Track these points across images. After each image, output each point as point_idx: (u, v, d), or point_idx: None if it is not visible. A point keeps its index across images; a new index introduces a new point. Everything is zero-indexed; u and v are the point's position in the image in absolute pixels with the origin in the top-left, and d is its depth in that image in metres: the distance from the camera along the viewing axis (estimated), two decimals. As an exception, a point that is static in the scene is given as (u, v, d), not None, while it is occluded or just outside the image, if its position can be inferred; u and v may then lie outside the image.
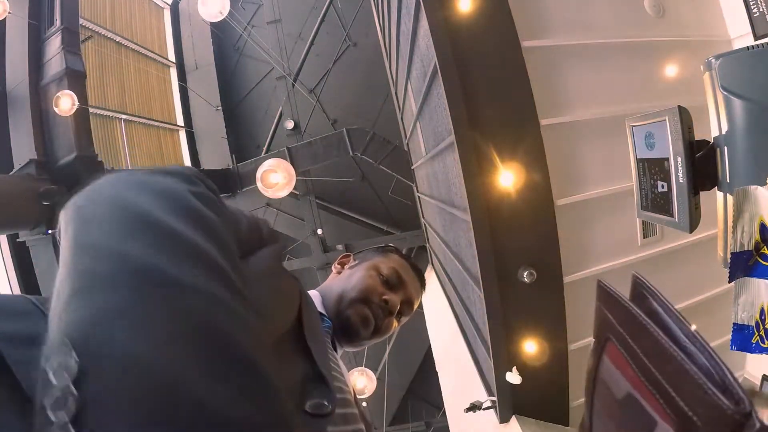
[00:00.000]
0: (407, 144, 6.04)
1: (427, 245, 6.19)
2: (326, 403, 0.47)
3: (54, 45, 5.17)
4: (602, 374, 0.28)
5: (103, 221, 0.32)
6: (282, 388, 0.29)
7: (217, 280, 0.31)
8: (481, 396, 2.77)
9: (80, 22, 5.79)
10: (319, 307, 0.83)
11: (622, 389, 0.25)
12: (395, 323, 0.90)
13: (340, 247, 7.34)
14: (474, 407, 2.65)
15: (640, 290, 0.27)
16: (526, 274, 2.32)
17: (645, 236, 2.49)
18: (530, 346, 2.39)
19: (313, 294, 0.87)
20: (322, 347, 0.57)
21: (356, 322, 0.83)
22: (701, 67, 1.01)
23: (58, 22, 5.21)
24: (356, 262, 0.97)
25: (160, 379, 0.24)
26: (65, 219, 0.35)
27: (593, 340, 0.30)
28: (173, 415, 0.23)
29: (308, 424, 0.44)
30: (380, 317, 0.85)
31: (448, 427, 3.83)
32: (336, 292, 0.87)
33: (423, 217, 6.17)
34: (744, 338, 0.87)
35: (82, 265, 0.29)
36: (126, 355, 0.24)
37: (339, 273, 0.96)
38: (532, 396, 2.48)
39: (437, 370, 4.46)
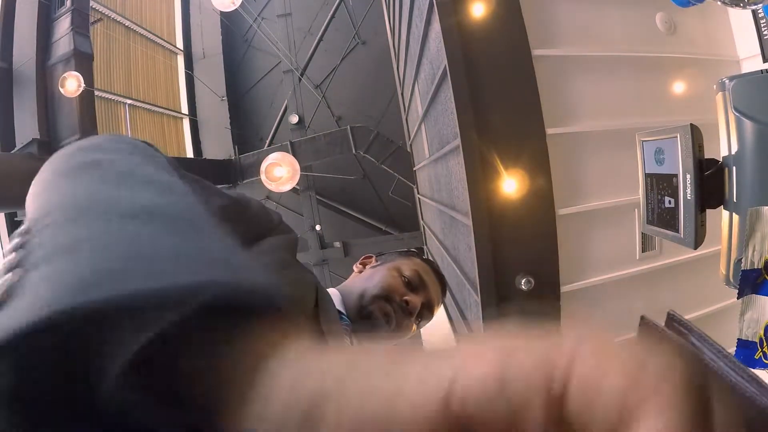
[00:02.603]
0: (410, 145, 6.05)
1: (425, 247, 6.20)
2: None
3: (63, 25, 5.15)
4: None
5: (46, 177, 0.34)
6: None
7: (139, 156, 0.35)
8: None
9: (90, 4, 5.77)
10: (339, 306, 0.83)
11: None
12: (414, 326, 0.90)
13: (337, 244, 7.35)
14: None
15: (677, 326, 0.27)
16: (524, 281, 2.33)
17: (644, 250, 2.50)
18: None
19: (333, 292, 0.87)
20: (341, 341, 0.57)
21: (379, 317, 0.83)
22: (714, 86, 1.02)
23: (68, 3, 5.19)
24: (378, 263, 0.97)
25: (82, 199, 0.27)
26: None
27: None
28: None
29: None
30: (400, 316, 0.86)
31: None
32: (358, 290, 0.87)
33: (422, 219, 6.18)
34: (748, 354, 0.89)
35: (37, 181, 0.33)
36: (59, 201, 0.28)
37: (360, 272, 0.97)
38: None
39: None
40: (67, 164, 0.34)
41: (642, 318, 0.25)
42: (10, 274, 0.22)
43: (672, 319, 0.27)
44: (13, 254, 0.24)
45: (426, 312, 0.92)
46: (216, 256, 0.23)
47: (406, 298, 0.87)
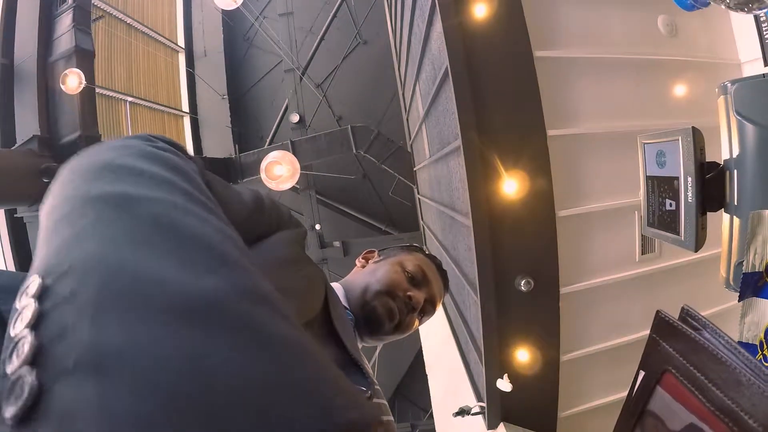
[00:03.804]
0: (411, 145, 6.05)
1: (425, 247, 6.20)
2: (364, 389, 0.47)
3: (65, 22, 5.14)
4: (654, 406, 0.27)
5: (67, 181, 0.33)
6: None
7: (178, 192, 0.31)
8: (470, 401, 2.78)
9: (92, 1, 5.77)
10: (342, 300, 0.83)
11: (682, 420, 0.25)
12: (417, 321, 0.90)
13: (337, 243, 7.35)
14: (463, 412, 2.66)
15: (691, 322, 0.27)
16: (523, 282, 2.33)
17: (643, 252, 2.50)
18: (523, 355, 2.40)
19: (336, 287, 0.87)
20: (350, 335, 0.57)
21: (382, 314, 0.82)
22: (716, 90, 1.03)
23: (70, 0, 5.19)
24: (381, 257, 0.97)
25: (116, 267, 0.24)
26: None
27: (640, 372, 0.29)
28: (129, 291, 0.22)
29: None
30: (404, 312, 0.85)
31: (434, 430, 3.84)
32: (360, 285, 0.87)
33: (422, 219, 6.18)
34: (748, 358, 0.89)
35: (49, 220, 0.30)
36: (86, 258, 0.24)
37: (363, 267, 0.96)
38: (522, 404, 2.49)
39: (427, 372, 4.47)
40: (95, 187, 0.30)
41: (657, 312, 0.25)
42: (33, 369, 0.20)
43: (686, 314, 0.28)
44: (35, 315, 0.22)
45: (429, 307, 0.92)
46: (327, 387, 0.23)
47: (409, 293, 0.87)
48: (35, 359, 0.20)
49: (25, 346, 0.21)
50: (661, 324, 0.27)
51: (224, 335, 0.22)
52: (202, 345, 0.21)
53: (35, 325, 0.22)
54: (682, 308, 0.28)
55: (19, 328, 0.22)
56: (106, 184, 0.30)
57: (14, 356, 0.21)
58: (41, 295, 0.23)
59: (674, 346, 0.26)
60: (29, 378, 0.20)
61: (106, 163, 0.33)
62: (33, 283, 0.24)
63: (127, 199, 0.29)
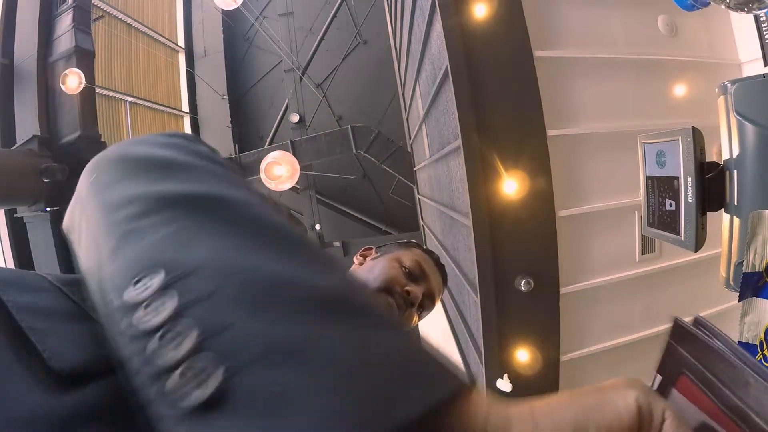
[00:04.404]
0: (411, 145, 6.05)
1: (425, 247, 6.19)
2: None
3: (65, 22, 5.15)
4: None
5: (120, 176, 0.33)
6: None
7: (250, 193, 0.34)
8: (470, 401, 2.77)
9: (92, 1, 5.77)
10: None
11: (695, 419, 0.28)
12: (416, 317, 0.90)
13: (337, 243, 7.34)
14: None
15: (703, 330, 0.29)
16: (523, 282, 2.33)
17: (643, 252, 2.50)
18: (523, 355, 2.40)
19: None
20: None
21: None
22: (716, 90, 1.03)
23: (70, 0, 5.19)
24: (378, 254, 0.97)
25: (243, 269, 0.25)
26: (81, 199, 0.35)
27: (657, 376, 0.32)
28: (264, 294, 0.24)
29: None
30: (402, 307, 0.85)
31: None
32: None
33: (422, 219, 6.18)
34: (748, 357, 0.89)
35: (118, 216, 0.30)
36: (206, 260, 0.25)
37: (361, 264, 0.96)
38: (522, 404, 2.49)
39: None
40: (168, 186, 0.31)
41: (675, 320, 0.27)
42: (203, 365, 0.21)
43: (699, 323, 0.29)
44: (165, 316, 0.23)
45: (428, 302, 0.92)
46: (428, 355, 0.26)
47: (407, 288, 0.87)
48: (199, 351, 0.21)
49: (186, 339, 0.22)
50: (678, 330, 0.29)
51: (367, 319, 0.26)
52: (360, 330, 0.25)
53: (179, 319, 0.23)
54: (695, 318, 0.30)
55: (158, 320, 0.23)
56: (180, 182, 0.32)
57: (168, 348, 0.22)
58: (170, 293, 0.24)
59: (690, 351, 0.29)
60: (212, 368, 0.21)
61: (166, 161, 0.34)
62: (148, 277, 0.25)
63: (214, 200, 0.31)
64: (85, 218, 0.33)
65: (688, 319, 0.30)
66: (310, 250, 0.30)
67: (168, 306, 0.23)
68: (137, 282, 0.25)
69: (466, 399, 0.26)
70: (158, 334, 0.22)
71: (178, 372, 0.21)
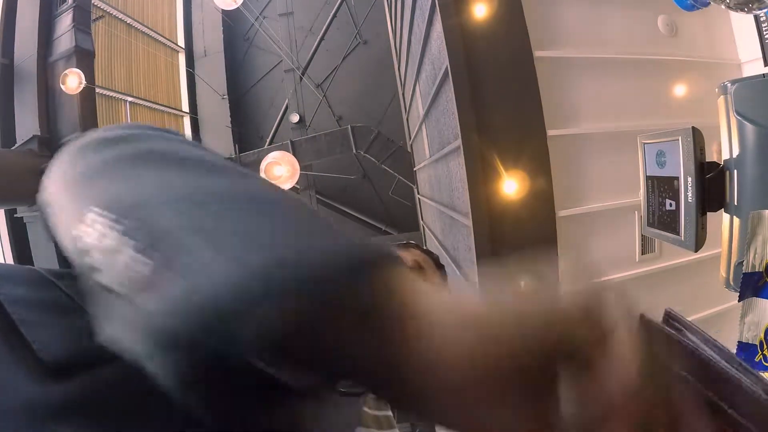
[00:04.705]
0: (411, 145, 6.05)
1: (425, 247, 6.19)
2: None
3: (65, 22, 5.15)
4: None
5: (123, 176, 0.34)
6: None
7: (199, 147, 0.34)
8: (470, 401, 2.78)
9: (92, 1, 5.77)
10: None
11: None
12: None
13: (337, 243, 7.33)
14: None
15: (674, 323, 0.29)
16: (523, 283, 2.33)
17: (643, 252, 2.50)
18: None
19: None
20: None
21: None
22: (716, 90, 1.03)
23: (70, 0, 5.19)
24: None
25: (168, 188, 0.27)
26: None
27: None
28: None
29: (342, 404, 0.44)
30: None
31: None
32: None
33: (422, 220, 6.18)
34: (748, 357, 0.90)
35: (81, 183, 0.31)
36: (135, 190, 0.27)
37: None
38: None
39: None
40: (121, 153, 0.32)
41: (641, 316, 0.26)
42: (142, 258, 0.22)
43: (669, 316, 0.29)
44: (121, 240, 0.23)
45: None
46: (339, 231, 0.26)
47: None
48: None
49: (110, 237, 0.23)
50: (645, 326, 0.28)
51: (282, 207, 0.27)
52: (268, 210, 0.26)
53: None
54: (665, 311, 0.29)
55: (95, 235, 0.24)
56: (136, 142, 0.33)
57: (98, 247, 0.24)
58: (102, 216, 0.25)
59: (658, 346, 0.28)
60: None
61: (121, 135, 0.35)
62: (95, 213, 0.25)
63: (159, 150, 0.32)
64: (56, 193, 0.34)
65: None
66: (238, 171, 0.31)
67: (100, 224, 0.24)
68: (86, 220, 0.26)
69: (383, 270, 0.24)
70: (93, 245, 0.24)
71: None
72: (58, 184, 0.33)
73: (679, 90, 2.58)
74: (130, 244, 0.23)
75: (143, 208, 0.25)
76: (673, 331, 0.27)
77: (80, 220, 0.26)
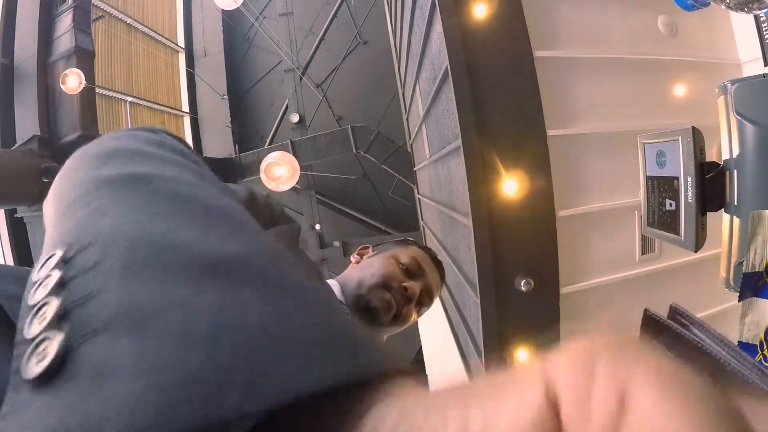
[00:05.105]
0: (411, 145, 6.05)
1: (422, 244, 6.19)
2: None
3: (65, 22, 5.15)
4: None
5: (76, 168, 0.33)
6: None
7: (189, 172, 0.32)
8: (470, 401, 2.77)
9: (92, 1, 5.77)
10: (338, 296, 0.84)
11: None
12: (414, 313, 0.90)
13: (337, 243, 7.35)
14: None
15: (680, 319, 0.28)
16: (523, 282, 2.33)
17: (643, 252, 2.50)
18: (523, 355, 2.40)
19: (332, 283, 0.88)
20: None
21: (377, 306, 0.83)
22: (716, 90, 1.03)
23: (70, 0, 5.20)
24: (375, 252, 0.98)
25: (140, 235, 0.24)
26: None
27: None
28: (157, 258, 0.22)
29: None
30: (401, 303, 0.85)
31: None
32: (355, 280, 0.87)
33: (422, 219, 6.19)
34: (748, 357, 0.90)
35: (60, 205, 0.30)
36: (105, 230, 0.24)
37: (358, 263, 0.97)
38: (522, 404, 2.49)
39: (426, 373, 4.47)
40: (107, 170, 0.31)
41: (645, 311, 0.25)
42: (56, 328, 0.19)
43: (675, 312, 0.28)
44: (50, 289, 0.21)
45: (426, 299, 0.92)
46: (339, 338, 0.21)
47: (404, 284, 0.87)
48: (59, 323, 0.20)
49: (49, 311, 0.21)
50: (649, 322, 0.27)
51: (252, 285, 0.22)
52: (233, 296, 0.21)
53: (58, 292, 0.21)
54: (671, 306, 0.29)
55: (40, 295, 0.22)
56: (119, 166, 0.31)
57: (35, 321, 0.21)
58: (62, 267, 0.23)
59: (662, 341, 0.27)
60: (57, 338, 0.19)
61: (115, 149, 0.34)
62: (53, 256, 0.24)
63: (141, 177, 0.29)
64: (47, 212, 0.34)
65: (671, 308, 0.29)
66: (232, 220, 0.28)
67: (52, 280, 0.22)
68: (42, 264, 0.24)
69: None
70: (34, 309, 0.21)
71: (32, 345, 0.20)
72: (49, 199, 0.33)
73: (679, 90, 2.58)
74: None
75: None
76: (678, 326, 0.27)
77: (39, 262, 0.24)
